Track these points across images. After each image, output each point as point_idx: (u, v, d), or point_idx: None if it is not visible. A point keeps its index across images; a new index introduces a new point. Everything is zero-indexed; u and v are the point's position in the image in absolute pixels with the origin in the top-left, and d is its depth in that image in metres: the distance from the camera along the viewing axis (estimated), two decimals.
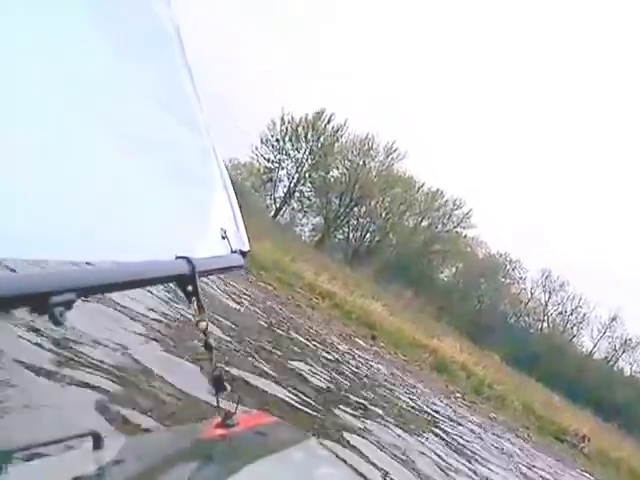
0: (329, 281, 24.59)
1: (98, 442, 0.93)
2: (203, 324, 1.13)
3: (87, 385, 3.17)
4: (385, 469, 4.71)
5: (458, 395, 18.90)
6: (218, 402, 1.16)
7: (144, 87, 1.30)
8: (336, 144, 45.02)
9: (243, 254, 1.39)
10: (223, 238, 1.35)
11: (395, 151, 44.71)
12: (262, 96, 52.54)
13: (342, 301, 22.79)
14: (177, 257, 1.08)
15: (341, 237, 47.62)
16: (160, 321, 5.74)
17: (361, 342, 18.42)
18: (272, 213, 45.07)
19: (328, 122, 44.02)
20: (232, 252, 1.35)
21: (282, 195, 45.95)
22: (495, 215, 45.87)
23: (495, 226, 43.73)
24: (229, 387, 1.16)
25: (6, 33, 0.88)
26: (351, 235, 47.05)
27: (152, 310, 5.91)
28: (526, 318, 48.80)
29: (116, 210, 1.05)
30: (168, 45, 1.44)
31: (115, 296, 5.04)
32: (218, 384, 1.16)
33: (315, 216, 47.17)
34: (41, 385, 2.95)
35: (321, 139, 44.59)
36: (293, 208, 47.23)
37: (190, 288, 1.09)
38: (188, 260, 1.08)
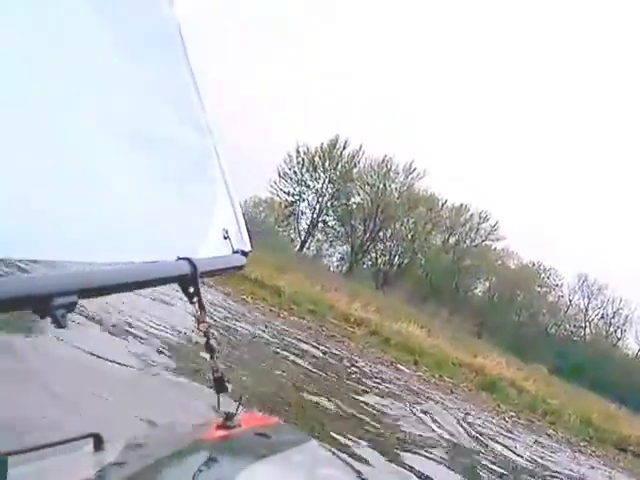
0: (362, 308, 24.13)
1: (99, 443, 0.95)
2: (204, 325, 1.14)
3: (89, 385, 3.31)
4: None
5: (512, 414, 18.07)
6: (219, 403, 1.16)
7: (146, 86, 1.30)
8: (354, 170, 44.90)
9: (245, 254, 1.40)
10: (225, 238, 1.35)
11: (414, 170, 44.34)
12: (261, 96, 52.23)
13: (378, 327, 22.26)
14: (179, 258, 1.08)
15: (370, 263, 47.19)
16: None
17: (405, 369, 17.93)
18: (297, 247, 44.89)
19: (344, 148, 44.07)
20: (234, 252, 1.36)
21: (306, 227, 45.83)
22: (496, 215, 44.73)
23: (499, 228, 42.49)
24: (230, 388, 1.16)
25: (7, 32, 0.87)
26: (379, 260, 46.58)
27: None
28: (567, 326, 47.46)
29: (117, 210, 1.05)
30: (170, 44, 1.44)
31: None
32: (219, 385, 1.15)
33: (341, 245, 46.99)
34: (42, 387, 3.03)
35: (339, 167, 44.51)
36: (318, 239, 47.18)
37: (192, 289, 1.08)
38: (190, 261, 1.07)
